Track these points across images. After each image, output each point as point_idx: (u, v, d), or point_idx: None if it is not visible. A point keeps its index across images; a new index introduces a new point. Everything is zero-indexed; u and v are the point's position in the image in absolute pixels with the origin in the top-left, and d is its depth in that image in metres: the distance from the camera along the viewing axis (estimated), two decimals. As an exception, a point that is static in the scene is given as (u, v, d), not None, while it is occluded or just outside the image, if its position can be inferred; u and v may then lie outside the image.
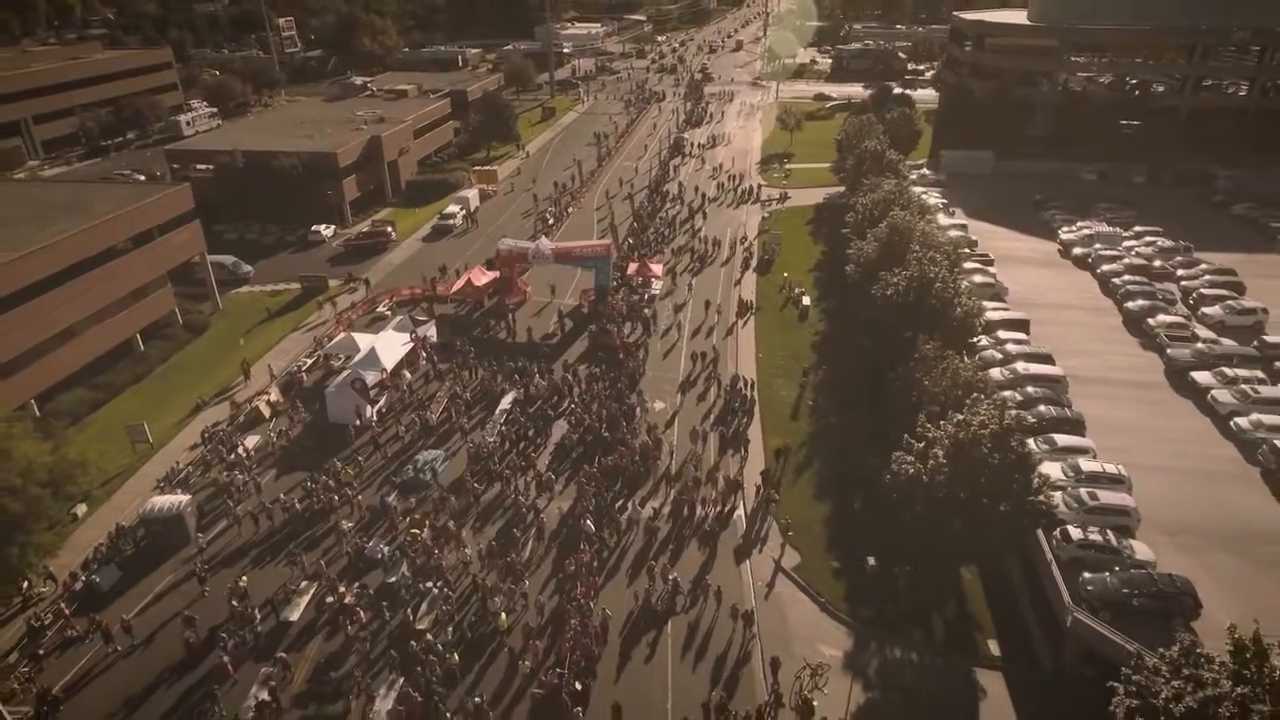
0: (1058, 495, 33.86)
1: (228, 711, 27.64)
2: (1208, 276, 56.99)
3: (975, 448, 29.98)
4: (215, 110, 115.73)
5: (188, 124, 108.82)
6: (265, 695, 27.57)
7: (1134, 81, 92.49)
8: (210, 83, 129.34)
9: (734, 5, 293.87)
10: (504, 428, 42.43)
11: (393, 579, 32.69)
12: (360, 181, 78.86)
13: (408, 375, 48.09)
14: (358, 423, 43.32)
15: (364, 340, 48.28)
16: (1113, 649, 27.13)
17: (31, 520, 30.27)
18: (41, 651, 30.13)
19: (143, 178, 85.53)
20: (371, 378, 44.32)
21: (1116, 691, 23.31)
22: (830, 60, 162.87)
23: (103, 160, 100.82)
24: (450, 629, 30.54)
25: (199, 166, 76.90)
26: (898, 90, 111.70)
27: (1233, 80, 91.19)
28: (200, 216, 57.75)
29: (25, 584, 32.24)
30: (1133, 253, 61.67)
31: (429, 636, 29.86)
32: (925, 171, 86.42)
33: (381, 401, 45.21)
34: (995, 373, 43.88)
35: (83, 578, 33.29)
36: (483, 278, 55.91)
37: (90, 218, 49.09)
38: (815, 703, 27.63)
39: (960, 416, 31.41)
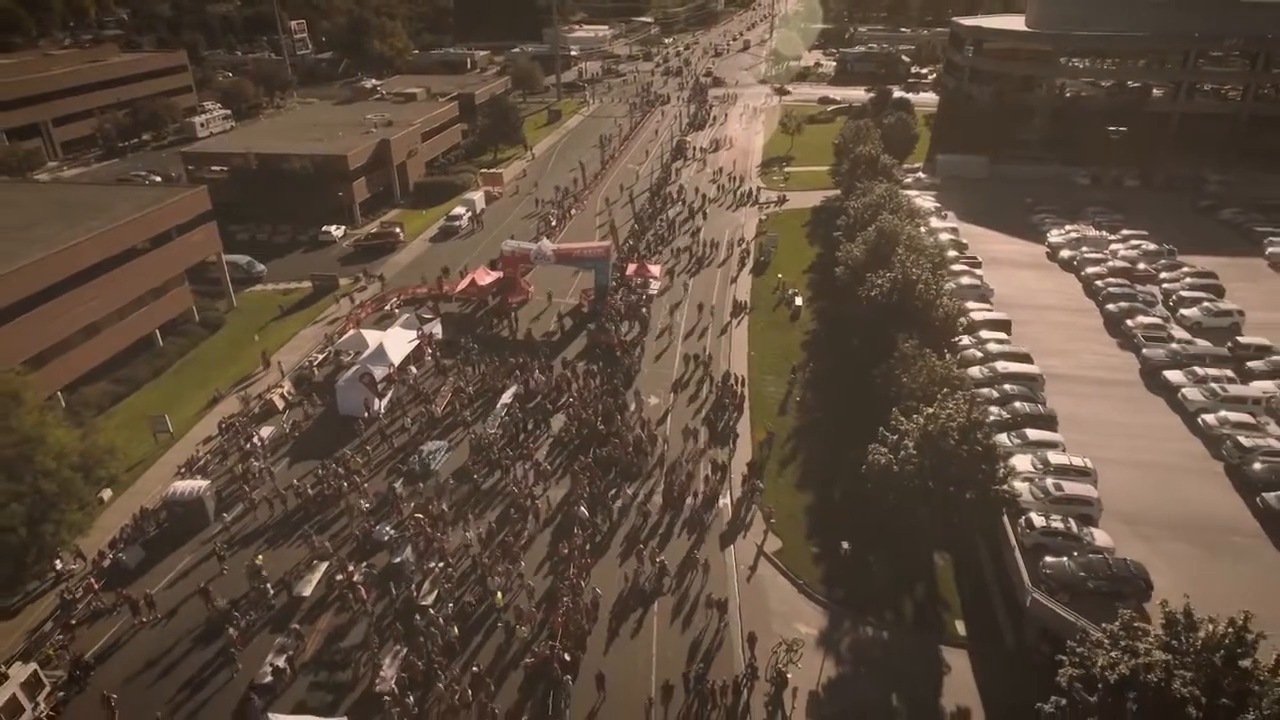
0: (1025, 485, 35.91)
1: (242, 677, 29.95)
2: (1189, 279, 58.59)
3: (943, 439, 31.99)
4: (229, 112, 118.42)
5: (202, 126, 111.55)
6: (281, 663, 29.86)
7: (1135, 85, 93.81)
8: (224, 85, 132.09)
9: (742, 7, 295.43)
10: (505, 420, 44.61)
11: (398, 559, 34.91)
12: (370, 183, 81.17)
13: (414, 370, 50.29)
14: (366, 415, 45.58)
15: (372, 337, 50.50)
16: (1066, 627, 29.08)
17: (64, 500, 32.58)
18: (74, 622, 32.53)
19: (159, 179, 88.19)
20: (379, 372, 46.58)
21: (1063, 664, 25.26)
22: (835, 63, 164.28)
23: (120, 162, 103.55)
24: (450, 605, 32.70)
25: (213, 168, 79.38)
26: (898, 94, 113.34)
27: (1228, 86, 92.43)
28: (215, 217, 60.15)
29: (58, 561, 34.63)
30: (1117, 256, 63.25)
31: (431, 611, 32.06)
32: (921, 175, 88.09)
33: (389, 395, 47.48)
34: (975, 371, 45.80)
35: (110, 556, 35.70)
36: (486, 277, 58.08)
37: (113, 219, 51.43)
38: (789, 675, 29.68)
39: (930, 410, 33.39)
